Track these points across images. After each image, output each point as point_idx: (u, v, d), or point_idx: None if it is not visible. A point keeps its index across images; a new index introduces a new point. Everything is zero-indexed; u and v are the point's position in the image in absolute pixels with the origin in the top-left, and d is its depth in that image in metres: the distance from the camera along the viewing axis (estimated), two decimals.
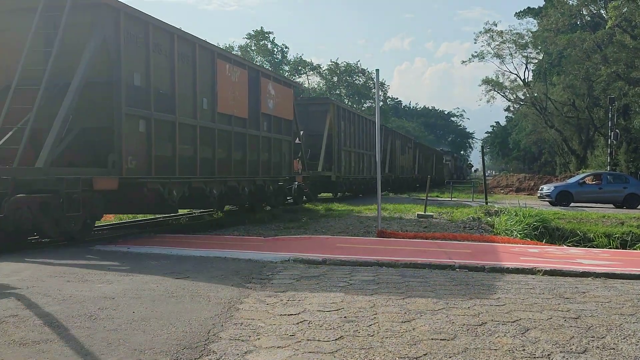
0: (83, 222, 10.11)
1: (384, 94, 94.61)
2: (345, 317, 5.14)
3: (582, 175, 31.09)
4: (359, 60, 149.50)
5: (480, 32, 62.16)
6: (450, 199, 31.37)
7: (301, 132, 20.81)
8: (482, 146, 36.89)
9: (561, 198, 28.03)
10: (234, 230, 12.85)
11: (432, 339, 4.50)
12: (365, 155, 30.93)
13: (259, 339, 4.46)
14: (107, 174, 10.31)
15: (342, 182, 26.43)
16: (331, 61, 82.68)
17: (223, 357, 4.03)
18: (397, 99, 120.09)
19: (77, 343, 4.28)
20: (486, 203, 24.13)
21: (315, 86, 79.79)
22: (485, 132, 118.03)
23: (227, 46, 73.80)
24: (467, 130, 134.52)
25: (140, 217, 16.79)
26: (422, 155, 53.39)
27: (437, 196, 33.66)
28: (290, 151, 18.72)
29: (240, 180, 15.27)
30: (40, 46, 10.50)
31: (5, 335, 4.46)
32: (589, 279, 7.43)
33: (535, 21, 62.67)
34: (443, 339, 4.50)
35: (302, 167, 20.30)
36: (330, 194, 28.37)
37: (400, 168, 41.39)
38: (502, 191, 45.19)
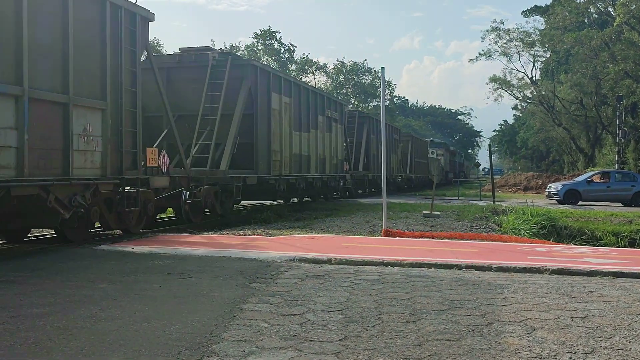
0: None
1: (391, 92, 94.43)
2: (349, 317, 5.08)
3: (590, 174, 30.92)
4: (365, 59, 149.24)
5: (487, 31, 61.91)
6: (457, 198, 31.28)
7: None
8: (489, 144, 36.54)
9: (569, 197, 27.90)
10: (239, 230, 12.81)
11: (437, 340, 4.44)
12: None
13: (262, 339, 4.41)
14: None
15: None
16: (337, 60, 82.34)
17: (225, 358, 3.97)
18: (404, 97, 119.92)
19: (78, 343, 4.24)
20: (494, 202, 24.03)
21: (322, 85, 79.68)
22: (493, 131, 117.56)
23: (234, 46, 73.88)
24: (475, 128, 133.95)
25: None
26: (379, 140, 31.13)
27: (444, 194, 33.57)
28: None
29: None
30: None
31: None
32: (597, 278, 7.34)
33: (542, 19, 62.47)
34: (449, 340, 4.44)
35: None
36: None
37: (298, 160, 19.80)
38: (509, 190, 45.00)
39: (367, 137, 30.64)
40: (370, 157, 31.24)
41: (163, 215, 16.07)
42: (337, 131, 24.60)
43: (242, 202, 20.65)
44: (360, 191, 31.59)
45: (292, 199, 22.93)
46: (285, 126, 18.43)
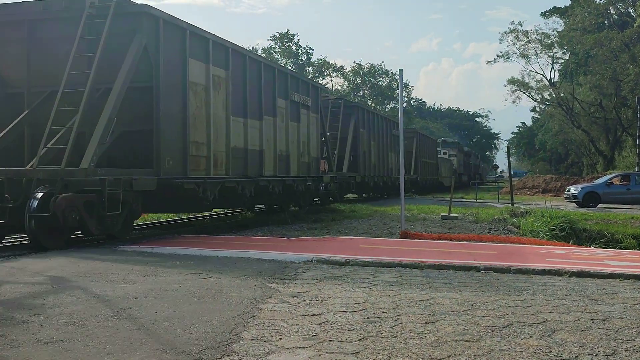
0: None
1: (408, 94, 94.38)
2: (368, 317, 5.09)
3: (609, 176, 30.64)
4: (382, 62, 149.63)
5: (505, 32, 61.77)
6: (475, 200, 31.13)
7: None
8: (507, 147, 36.20)
9: (588, 199, 27.65)
10: (257, 231, 12.87)
11: (456, 341, 4.43)
12: None
13: (281, 339, 4.43)
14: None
15: None
16: (355, 62, 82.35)
17: (245, 357, 4.00)
18: (421, 99, 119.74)
19: (100, 342, 4.29)
20: (512, 204, 23.88)
21: (339, 87, 79.74)
22: (511, 133, 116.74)
23: (252, 48, 74.12)
24: (493, 131, 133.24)
25: (164, 217, 16.88)
26: (371, 135, 28.00)
27: (462, 197, 33.40)
28: None
29: None
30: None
31: (30, 333, 4.49)
32: (617, 280, 7.28)
33: (561, 21, 62.07)
34: (468, 341, 4.43)
35: None
36: None
37: (242, 156, 14.45)
38: (527, 192, 44.71)
39: (355, 130, 25.52)
40: (359, 155, 25.86)
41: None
42: (310, 121, 18.89)
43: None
44: (355, 196, 28.52)
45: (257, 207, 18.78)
46: (218, 109, 13.29)
